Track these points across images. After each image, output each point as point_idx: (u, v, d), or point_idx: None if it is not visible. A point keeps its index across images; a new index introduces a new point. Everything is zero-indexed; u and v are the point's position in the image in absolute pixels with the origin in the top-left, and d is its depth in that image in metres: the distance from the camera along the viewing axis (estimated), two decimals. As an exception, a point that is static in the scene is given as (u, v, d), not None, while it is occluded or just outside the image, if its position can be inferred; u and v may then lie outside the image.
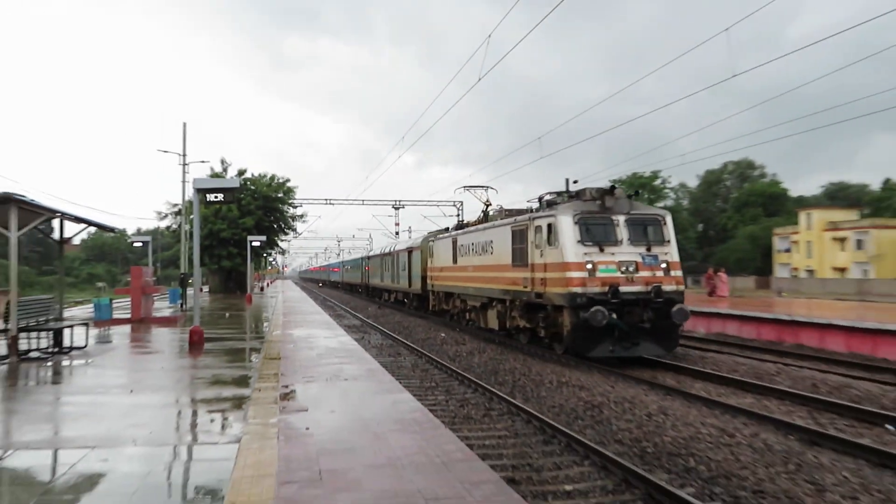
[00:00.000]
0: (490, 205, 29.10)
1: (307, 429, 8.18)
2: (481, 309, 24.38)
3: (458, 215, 60.24)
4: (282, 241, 66.41)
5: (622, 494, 7.84)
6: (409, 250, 39.29)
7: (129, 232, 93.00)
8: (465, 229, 26.98)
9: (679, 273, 17.37)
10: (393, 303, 46.67)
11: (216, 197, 17.25)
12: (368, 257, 59.76)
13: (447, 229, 31.99)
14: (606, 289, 16.37)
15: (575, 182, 26.03)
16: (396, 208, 65.26)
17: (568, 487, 8.06)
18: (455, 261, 27.21)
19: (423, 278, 34.22)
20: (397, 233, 67.41)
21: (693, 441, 9.82)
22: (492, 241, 22.49)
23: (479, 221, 27.18)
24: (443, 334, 26.25)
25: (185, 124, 38.97)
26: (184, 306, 33.54)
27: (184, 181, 38.73)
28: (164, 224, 60.59)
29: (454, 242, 27.66)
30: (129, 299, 27.40)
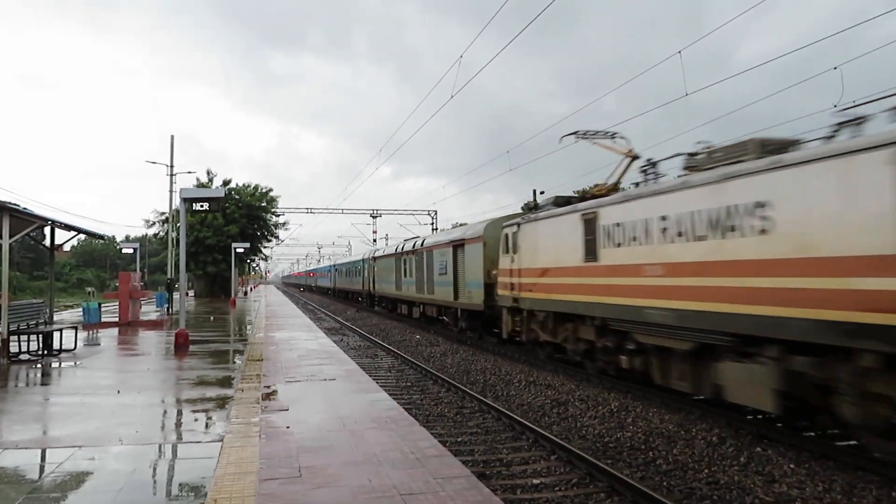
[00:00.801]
0: (637, 157, 15.69)
1: (288, 427, 8.07)
2: (695, 358, 11.00)
3: (432, 223, 60.13)
4: (265, 247, 65.83)
5: (586, 487, 7.85)
6: (457, 244, 24.85)
7: (118, 239, 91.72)
8: (627, 193, 13.88)
9: None
10: (419, 319, 31.76)
11: (202, 206, 17.05)
12: (375, 258, 43.16)
13: (535, 207, 19.39)
14: None
15: (542, 193, 25.72)
16: (374, 217, 65.05)
17: (536, 481, 8.04)
18: (592, 256, 14.03)
19: (488, 286, 21.25)
20: (375, 240, 67.16)
21: (652, 436, 9.88)
22: (764, 207, 9.14)
23: (608, 191, 15.31)
24: (418, 336, 26.16)
25: (172, 137, 38.53)
26: (170, 310, 33.04)
27: (171, 191, 38.28)
28: (151, 231, 59.81)
29: (588, 222, 14.23)
30: (117, 303, 26.94)
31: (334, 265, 70.94)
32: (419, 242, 31.60)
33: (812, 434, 9.48)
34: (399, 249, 35.42)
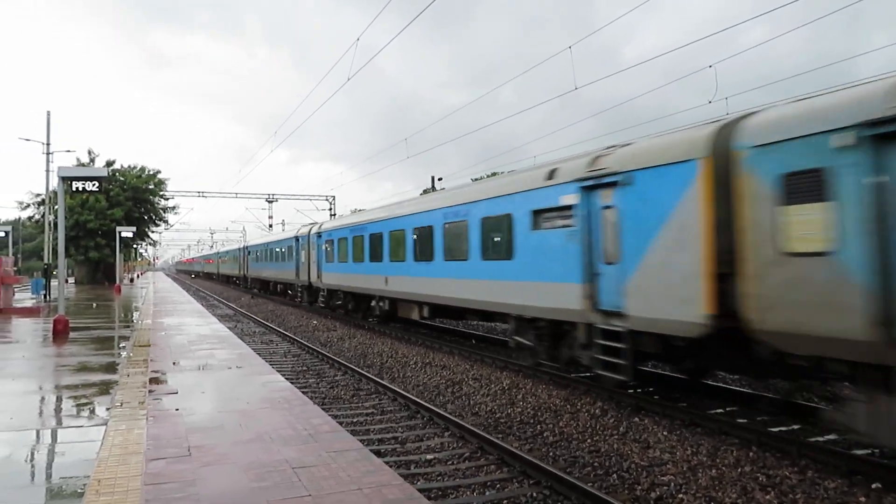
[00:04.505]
0: None
1: (177, 409, 7.92)
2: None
3: (330, 209, 59.41)
4: (152, 232, 62.95)
5: (478, 460, 8.16)
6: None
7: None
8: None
9: None
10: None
11: (82, 186, 16.22)
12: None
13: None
14: None
15: (440, 179, 26.34)
16: (270, 202, 63.36)
17: (429, 456, 8.28)
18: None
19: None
20: (271, 226, 65.61)
21: (541, 411, 10.35)
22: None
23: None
24: (315, 322, 25.94)
25: (48, 113, 36.01)
26: (47, 297, 31.13)
27: (48, 170, 35.85)
28: (26, 214, 55.78)
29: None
30: (-14, 290, 25.09)
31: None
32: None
33: (684, 404, 10.22)
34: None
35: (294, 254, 33.94)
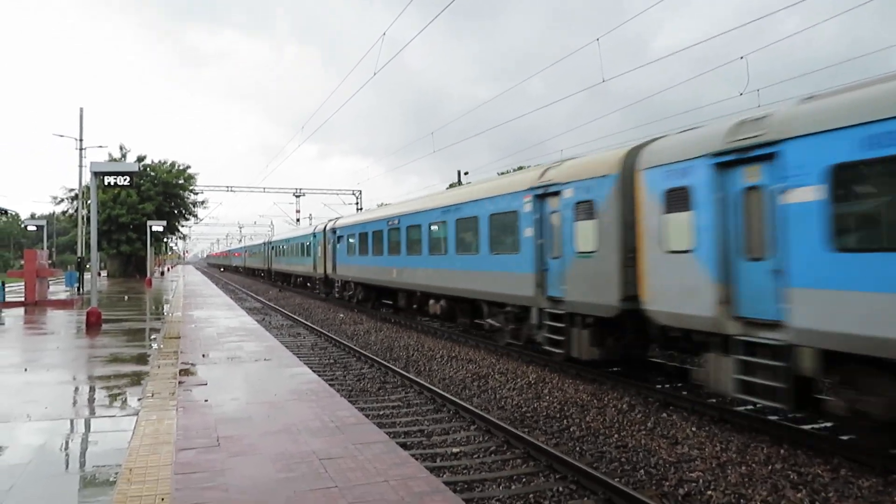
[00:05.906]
0: None
1: (206, 401, 8.02)
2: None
3: (356, 203, 59.67)
4: (182, 226, 63.78)
5: (504, 454, 8.14)
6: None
7: (24, 217, 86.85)
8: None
9: None
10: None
11: (114, 180, 16.47)
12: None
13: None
14: None
15: (466, 174, 26.26)
16: (297, 196, 63.92)
17: (455, 450, 8.29)
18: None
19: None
20: (298, 220, 66.09)
21: (567, 405, 10.29)
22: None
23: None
24: (341, 315, 26.11)
25: (81, 109, 36.62)
26: (81, 290, 31.74)
27: (81, 166, 36.49)
28: (60, 209, 56.84)
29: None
30: (22, 283, 25.69)
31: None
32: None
33: (713, 400, 10.09)
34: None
35: (514, 234, 14.25)
